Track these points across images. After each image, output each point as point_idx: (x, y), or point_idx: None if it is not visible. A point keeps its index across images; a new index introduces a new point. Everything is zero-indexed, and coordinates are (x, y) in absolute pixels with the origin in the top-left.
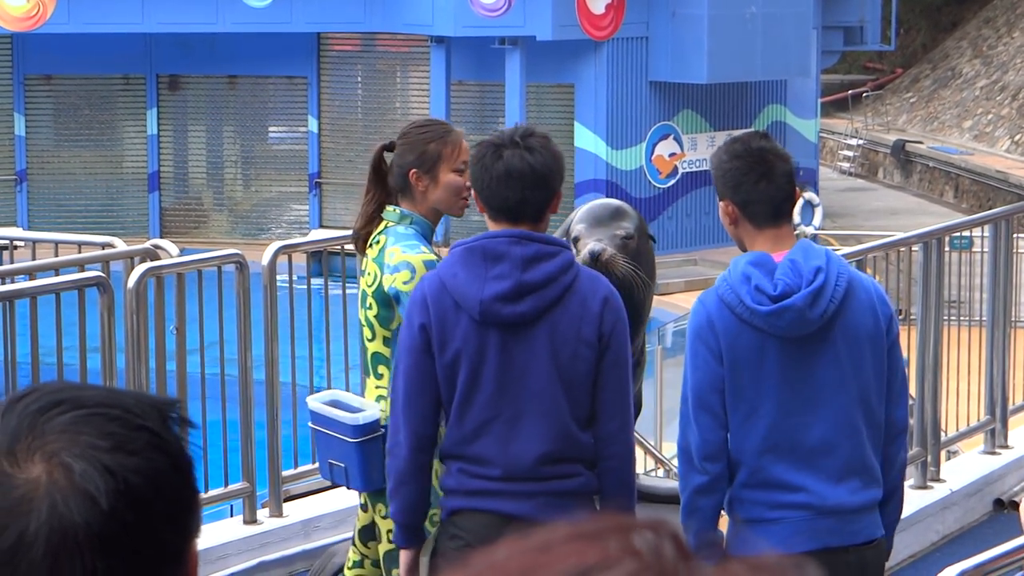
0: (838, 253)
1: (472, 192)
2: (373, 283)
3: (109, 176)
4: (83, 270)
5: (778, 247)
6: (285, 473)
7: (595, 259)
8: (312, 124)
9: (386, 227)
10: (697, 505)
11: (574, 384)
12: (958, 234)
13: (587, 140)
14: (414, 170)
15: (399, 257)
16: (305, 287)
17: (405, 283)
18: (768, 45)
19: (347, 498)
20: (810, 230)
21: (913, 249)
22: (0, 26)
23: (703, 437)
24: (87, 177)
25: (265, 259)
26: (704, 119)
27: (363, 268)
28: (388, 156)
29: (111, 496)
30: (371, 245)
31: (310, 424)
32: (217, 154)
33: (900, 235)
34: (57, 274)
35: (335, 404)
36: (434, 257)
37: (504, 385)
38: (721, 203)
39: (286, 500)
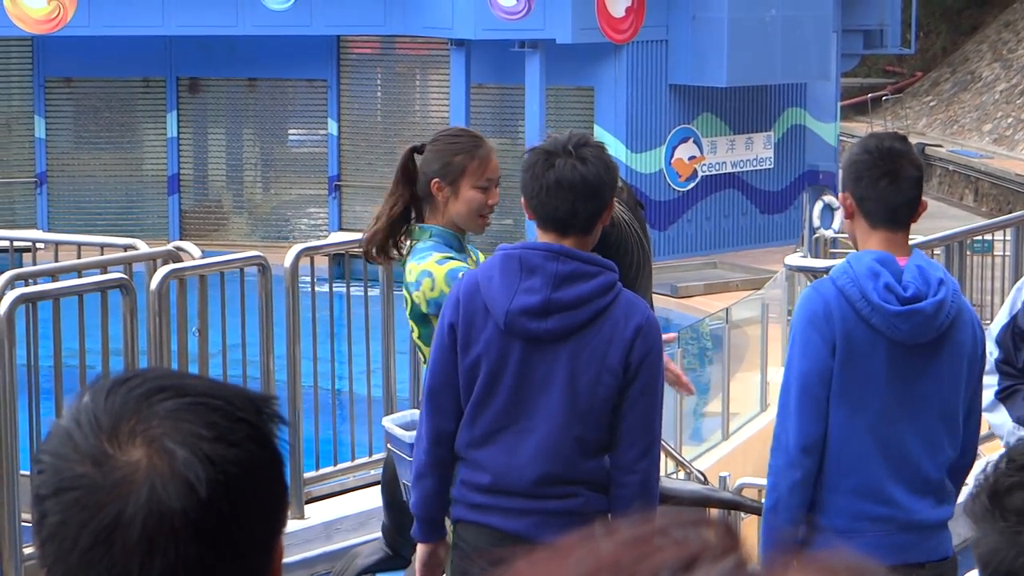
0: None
1: (522, 199)
2: (407, 306)
3: (129, 178)
4: (105, 272)
5: (893, 251)
6: (307, 475)
7: None
8: (332, 127)
9: (414, 247)
10: (789, 502)
11: (590, 409)
12: (979, 237)
13: (607, 143)
14: (436, 180)
15: (416, 271)
16: (327, 289)
17: (431, 290)
18: (788, 48)
19: (369, 500)
20: (830, 233)
21: (935, 252)
22: (20, 29)
23: (803, 429)
24: (107, 179)
25: (287, 261)
26: (724, 122)
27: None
28: (418, 158)
29: (210, 485)
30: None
31: (389, 447)
32: (237, 157)
33: (921, 238)
34: (80, 276)
35: (401, 424)
36: (446, 255)
37: (519, 398)
38: (841, 194)
39: (308, 502)
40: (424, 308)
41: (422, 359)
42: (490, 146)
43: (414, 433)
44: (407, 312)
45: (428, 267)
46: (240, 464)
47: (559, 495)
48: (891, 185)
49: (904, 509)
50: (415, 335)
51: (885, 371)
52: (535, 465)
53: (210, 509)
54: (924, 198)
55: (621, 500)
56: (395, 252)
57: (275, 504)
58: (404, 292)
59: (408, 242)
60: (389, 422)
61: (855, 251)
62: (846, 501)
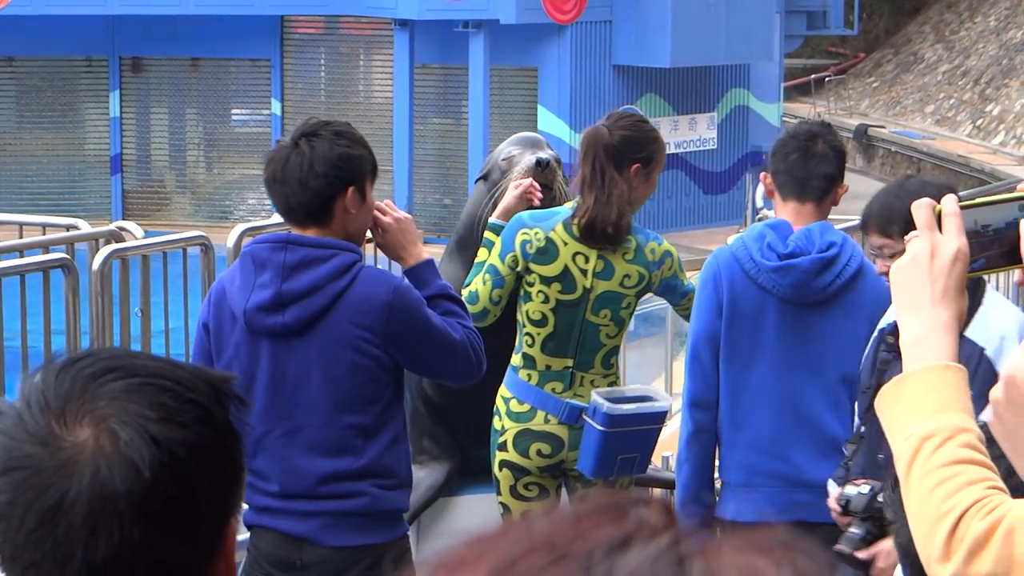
0: None
1: None
2: (639, 283)
3: (71, 158)
4: (47, 252)
5: (800, 222)
6: None
7: (543, 166)
8: (275, 107)
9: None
10: (685, 455)
11: (356, 394)
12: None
13: (550, 123)
14: (638, 165)
15: (659, 250)
16: None
17: (672, 267)
18: (731, 29)
19: None
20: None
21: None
22: None
23: (691, 385)
24: (49, 159)
25: (230, 241)
26: (667, 103)
27: (595, 270)
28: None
29: (155, 467)
30: (612, 251)
31: (608, 430)
32: (180, 137)
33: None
34: (21, 256)
35: (618, 399)
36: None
37: (277, 398)
38: (762, 175)
39: None
40: (655, 288)
41: (611, 332)
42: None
43: (648, 403)
44: (632, 289)
45: (668, 248)
46: (187, 446)
47: (344, 494)
48: (800, 159)
49: (797, 467)
50: (627, 312)
51: (775, 329)
52: (312, 464)
53: (155, 491)
54: (847, 182)
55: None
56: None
57: (225, 486)
58: (634, 269)
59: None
60: (609, 402)
61: None
62: (741, 456)
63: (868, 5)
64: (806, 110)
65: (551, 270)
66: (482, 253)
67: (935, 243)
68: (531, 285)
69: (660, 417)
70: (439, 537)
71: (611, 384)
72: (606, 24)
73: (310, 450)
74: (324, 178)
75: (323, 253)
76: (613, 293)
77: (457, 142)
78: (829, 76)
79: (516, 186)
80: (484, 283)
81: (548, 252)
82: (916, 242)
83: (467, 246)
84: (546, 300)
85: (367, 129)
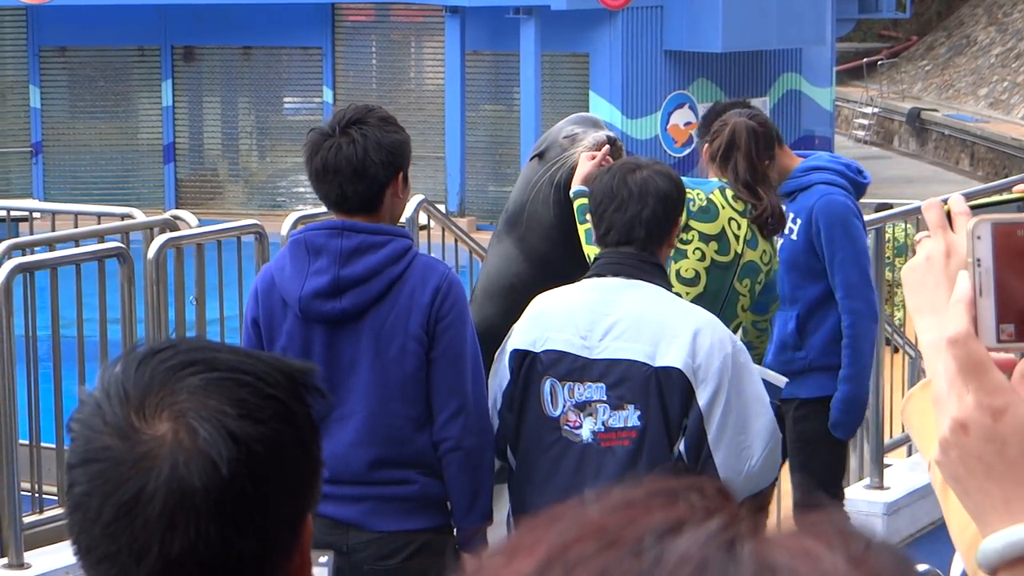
0: None
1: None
2: (770, 262)
3: (124, 147)
4: (103, 241)
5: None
6: None
7: (612, 142)
8: (327, 95)
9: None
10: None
11: (405, 382)
12: (974, 202)
13: (602, 109)
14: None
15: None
16: None
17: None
18: (783, 13)
19: None
20: None
21: None
22: None
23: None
24: (103, 148)
25: (284, 229)
26: (719, 88)
27: (744, 237)
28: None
29: (232, 464)
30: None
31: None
32: (232, 125)
33: (917, 203)
34: (77, 245)
35: None
36: None
37: (331, 385)
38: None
39: None
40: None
41: (745, 304)
42: None
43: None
44: (767, 266)
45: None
46: (265, 442)
47: (393, 480)
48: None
49: None
50: (759, 287)
51: None
52: (361, 450)
53: (232, 488)
54: (920, 161)
55: (449, 480)
56: None
57: (302, 482)
58: (768, 246)
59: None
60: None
61: None
62: None
63: None
64: (858, 94)
65: (712, 228)
66: (583, 227)
67: (949, 242)
68: (687, 243)
69: (777, 392)
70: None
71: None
72: (657, 9)
73: (361, 437)
74: (381, 166)
75: (379, 239)
76: (754, 264)
77: (509, 129)
78: (881, 60)
79: (590, 157)
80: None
81: (710, 211)
82: (928, 242)
83: (516, 224)
84: (702, 258)
85: (419, 116)
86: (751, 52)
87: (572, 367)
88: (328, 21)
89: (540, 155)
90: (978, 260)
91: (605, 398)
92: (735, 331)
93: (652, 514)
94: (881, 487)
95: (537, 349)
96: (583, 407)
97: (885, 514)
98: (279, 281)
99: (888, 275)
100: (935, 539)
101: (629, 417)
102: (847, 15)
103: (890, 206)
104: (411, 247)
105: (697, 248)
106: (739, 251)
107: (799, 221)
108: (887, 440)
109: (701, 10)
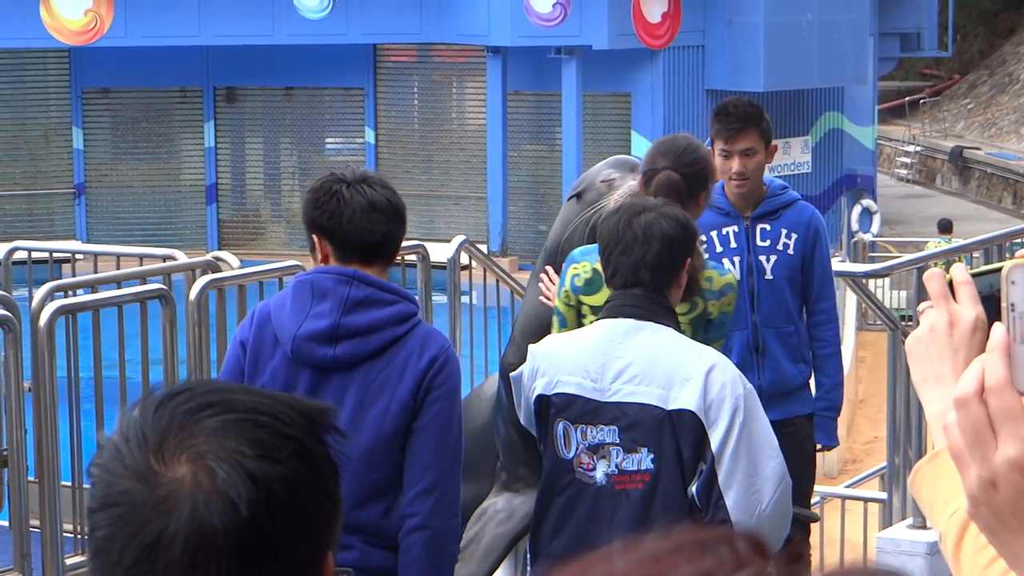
0: (899, 260)
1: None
2: (691, 311)
3: (167, 188)
4: (144, 283)
5: None
6: None
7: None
8: (369, 135)
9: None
10: None
11: (376, 444)
12: (1019, 240)
13: (644, 149)
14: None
15: (720, 281)
16: None
17: (730, 305)
18: (824, 52)
19: None
20: (869, 237)
21: (974, 256)
22: (58, 40)
23: None
24: (145, 190)
25: None
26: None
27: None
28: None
29: (252, 504)
30: None
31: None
32: (274, 166)
33: (961, 242)
34: (119, 287)
35: None
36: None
37: None
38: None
39: None
40: (714, 318)
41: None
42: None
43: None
44: (686, 316)
45: (731, 282)
46: (284, 482)
47: None
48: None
49: None
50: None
51: None
52: None
53: (252, 528)
54: (962, 199)
55: (408, 561)
56: None
57: (322, 521)
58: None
59: None
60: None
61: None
62: None
63: (962, 27)
64: (901, 132)
65: (597, 300)
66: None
67: (952, 312)
68: (584, 317)
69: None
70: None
71: None
72: (699, 49)
73: None
74: (399, 219)
75: (387, 297)
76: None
77: (551, 168)
78: (923, 98)
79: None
80: (554, 326)
81: (594, 283)
82: (931, 312)
83: (553, 264)
84: None
85: (460, 156)
86: (793, 91)
87: (584, 410)
88: (370, 62)
89: (578, 195)
90: (1012, 305)
91: (618, 441)
92: None
93: (680, 567)
94: (924, 527)
95: (549, 392)
96: (596, 449)
97: (928, 554)
98: (276, 318)
99: None
100: None
101: (642, 460)
102: (889, 54)
103: (950, 226)
104: (416, 314)
105: (592, 321)
106: None
107: (794, 236)
108: None
109: (743, 49)
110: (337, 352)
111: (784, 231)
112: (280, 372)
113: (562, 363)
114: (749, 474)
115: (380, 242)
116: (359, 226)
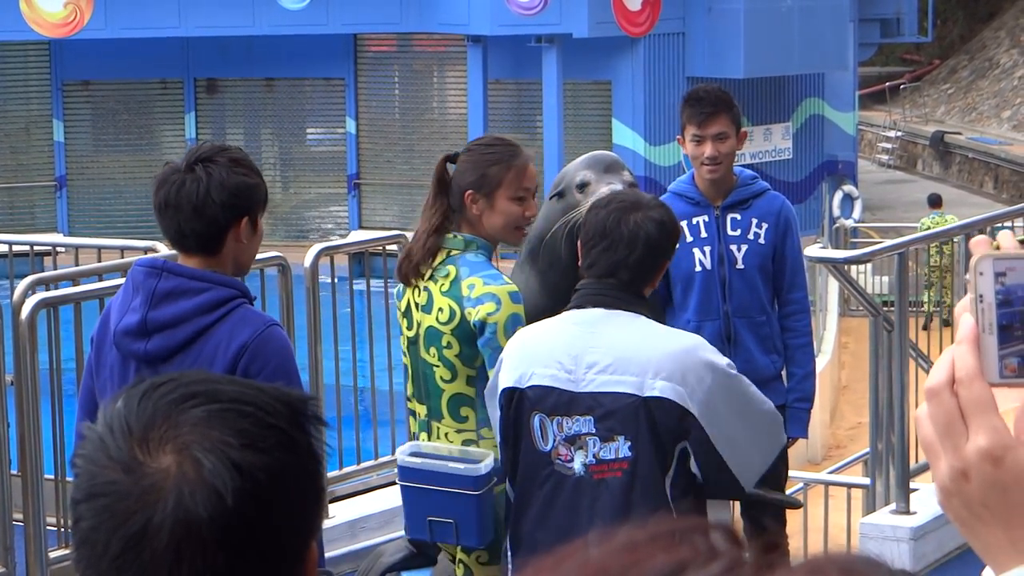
0: (881, 245)
1: None
2: (451, 320)
3: (148, 180)
4: (126, 275)
5: None
6: (330, 474)
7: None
8: (350, 125)
9: (450, 256)
10: None
11: None
12: (1000, 225)
13: (625, 137)
14: (471, 191)
15: (482, 289)
16: (348, 288)
17: (491, 314)
18: (805, 39)
19: (393, 498)
20: (850, 223)
21: (955, 241)
22: (38, 33)
23: None
24: (126, 182)
25: (307, 261)
26: (742, 113)
27: (419, 303)
28: (451, 167)
29: (237, 493)
30: (432, 279)
31: (401, 482)
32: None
33: (945, 226)
34: (100, 279)
35: (420, 455)
36: (517, 288)
37: None
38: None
39: (332, 501)
40: (472, 324)
41: (444, 376)
42: (528, 155)
43: (464, 465)
44: (448, 327)
45: (498, 293)
46: (269, 471)
47: None
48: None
49: None
50: (453, 352)
51: None
52: None
53: (238, 516)
54: (944, 184)
55: None
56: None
57: (306, 510)
58: (439, 301)
59: (445, 252)
60: (412, 457)
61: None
62: None
63: (942, 12)
64: (881, 118)
65: (401, 305)
66: None
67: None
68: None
69: (470, 482)
70: None
71: (466, 441)
72: (679, 36)
73: None
74: (221, 207)
75: (196, 285)
76: (433, 329)
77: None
78: (904, 84)
79: None
80: None
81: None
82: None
83: (536, 258)
84: (404, 343)
85: (442, 146)
86: (773, 78)
87: (559, 401)
88: (350, 52)
89: (560, 195)
90: (980, 296)
91: (594, 431)
92: (460, 407)
93: (655, 557)
94: (907, 512)
95: (523, 385)
96: (573, 440)
97: (911, 539)
98: (112, 312)
99: (925, 296)
100: (962, 564)
101: (619, 448)
102: (869, 40)
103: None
104: (233, 298)
105: (402, 332)
106: (418, 320)
107: (764, 225)
108: (913, 465)
109: (723, 36)
110: (148, 347)
111: (755, 220)
112: (116, 367)
113: (535, 356)
114: (744, 441)
115: (175, 238)
116: (159, 223)
